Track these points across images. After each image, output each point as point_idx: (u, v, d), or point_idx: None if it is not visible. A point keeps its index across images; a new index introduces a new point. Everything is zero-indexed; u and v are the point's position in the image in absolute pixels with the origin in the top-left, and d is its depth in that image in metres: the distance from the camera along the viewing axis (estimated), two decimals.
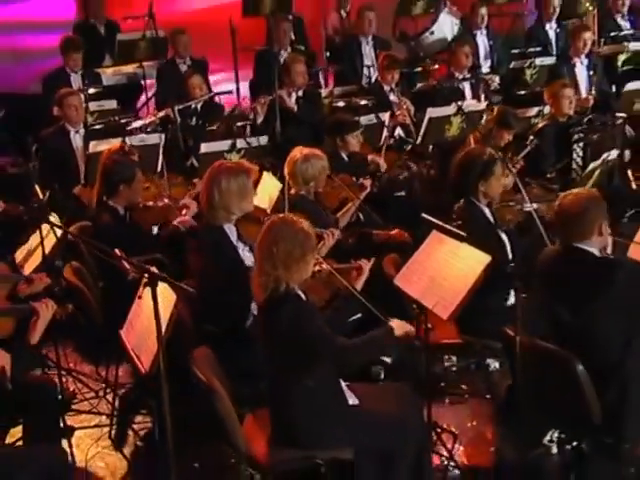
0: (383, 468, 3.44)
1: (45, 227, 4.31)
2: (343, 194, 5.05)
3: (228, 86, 7.68)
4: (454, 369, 4.87)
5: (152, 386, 4.01)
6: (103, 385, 4.86)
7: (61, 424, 4.19)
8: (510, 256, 4.38)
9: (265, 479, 3.38)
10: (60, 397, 4.40)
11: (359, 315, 3.92)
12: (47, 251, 4.30)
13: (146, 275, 3.16)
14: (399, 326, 3.49)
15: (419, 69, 8.03)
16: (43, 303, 3.45)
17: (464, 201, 4.45)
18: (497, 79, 7.68)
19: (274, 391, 3.45)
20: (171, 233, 4.64)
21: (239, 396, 3.64)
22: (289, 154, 4.98)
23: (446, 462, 4.05)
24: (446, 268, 3.83)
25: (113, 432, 4.49)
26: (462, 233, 3.74)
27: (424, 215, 4.01)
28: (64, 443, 4.10)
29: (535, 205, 4.75)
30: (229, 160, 5.36)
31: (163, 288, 3.49)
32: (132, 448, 4.41)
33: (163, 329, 3.33)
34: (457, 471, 4.02)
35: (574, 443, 3.67)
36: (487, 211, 4.49)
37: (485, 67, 8.16)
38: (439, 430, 4.19)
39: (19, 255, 4.73)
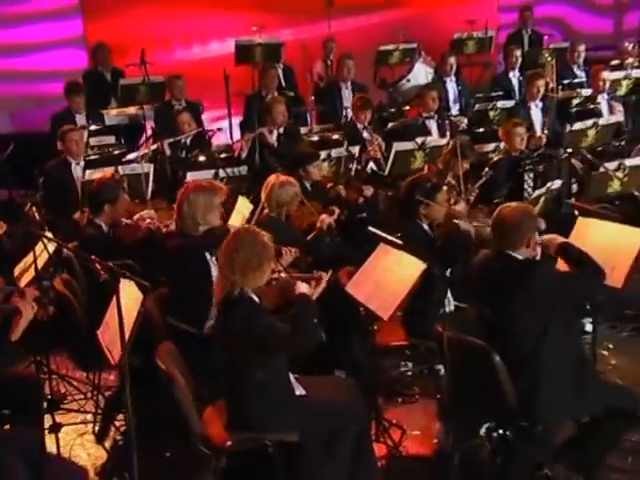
0: (325, 450, 3.58)
1: (40, 246, 4.52)
2: (313, 219, 5.21)
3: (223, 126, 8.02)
4: (409, 374, 5.02)
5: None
6: (91, 388, 4.99)
7: (51, 421, 4.39)
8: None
9: (218, 458, 3.51)
10: (50, 397, 4.67)
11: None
12: (40, 266, 4.47)
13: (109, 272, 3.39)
14: (307, 287, 3.65)
15: (393, 110, 8.30)
16: (26, 303, 3.59)
17: (408, 220, 4.66)
18: (465, 120, 7.90)
19: (230, 383, 3.60)
20: (147, 237, 4.80)
21: (201, 391, 3.86)
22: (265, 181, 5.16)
23: (392, 452, 4.18)
24: (389, 275, 4.04)
25: (97, 428, 4.63)
26: (399, 242, 3.93)
27: (371, 229, 4.21)
28: (52, 437, 4.31)
29: (472, 224, 4.89)
30: None
31: (130, 288, 3.71)
32: (112, 442, 4.55)
33: (130, 323, 3.54)
34: (401, 460, 4.14)
35: (500, 431, 3.79)
36: (428, 230, 4.66)
37: (454, 110, 8.38)
38: (387, 424, 4.33)
39: (17, 270, 4.91)
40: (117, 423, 4.65)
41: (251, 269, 3.49)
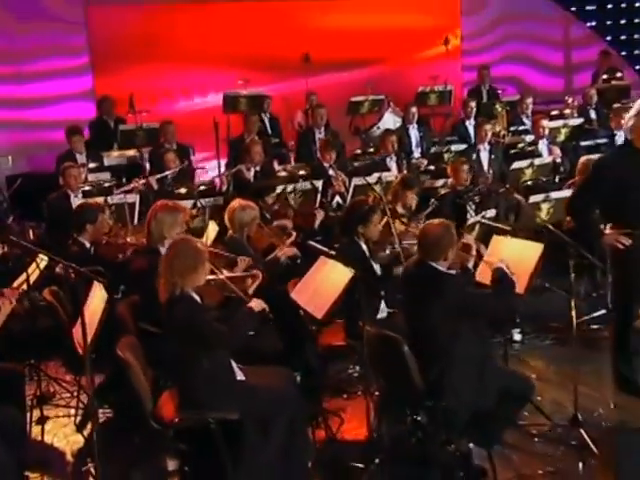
0: (262, 429, 3.74)
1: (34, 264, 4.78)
2: (272, 240, 5.42)
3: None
4: (355, 375, 5.22)
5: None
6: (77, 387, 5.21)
7: (39, 414, 4.73)
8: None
9: (166, 432, 3.71)
10: (40, 394, 4.90)
11: None
12: (33, 280, 4.73)
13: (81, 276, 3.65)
14: (257, 304, 3.83)
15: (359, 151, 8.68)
16: (5, 299, 3.80)
17: (347, 238, 4.89)
18: (425, 162, 8.18)
19: (179, 370, 3.78)
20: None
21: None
22: None
23: (329, 436, 4.38)
24: (325, 281, 4.26)
25: (78, 420, 4.83)
26: (332, 252, 4.18)
27: (310, 242, 4.45)
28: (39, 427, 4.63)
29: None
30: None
31: (99, 290, 3.96)
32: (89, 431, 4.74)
33: (96, 319, 3.80)
34: (337, 443, 4.34)
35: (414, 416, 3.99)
36: (364, 247, 4.84)
37: (417, 153, 8.64)
38: (328, 414, 4.53)
39: (15, 284, 5.16)
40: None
41: (188, 271, 3.70)
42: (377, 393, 4.64)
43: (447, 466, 3.86)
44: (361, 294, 4.00)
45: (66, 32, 9.74)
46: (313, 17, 10.67)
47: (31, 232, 5.79)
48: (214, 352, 3.73)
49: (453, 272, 3.97)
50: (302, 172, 6.96)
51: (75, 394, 5.08)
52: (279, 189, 6.42)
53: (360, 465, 4.00)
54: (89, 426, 4.73)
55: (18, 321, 5.28)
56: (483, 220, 5.76)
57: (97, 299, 3.97)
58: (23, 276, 4.98)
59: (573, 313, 4.23)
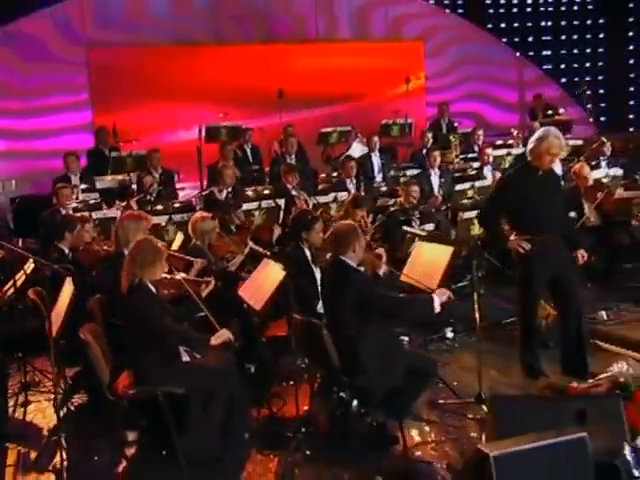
0: (204, 402, 4.04)
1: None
2: (231, 248, 5.74)
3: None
4: (303, 365, 5.49)
5: None
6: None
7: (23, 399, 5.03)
8: (319, 283, 4.91)
9: (119, 403, 4.03)
10: (25, 382, 5.18)
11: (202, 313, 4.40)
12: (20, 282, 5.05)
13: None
14: (220, 337, 4.13)
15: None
16: None
17: (293, 243, 5.22)
18: (383, 184, 8.55)
19: (132, 351, 4.10)
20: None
21: None
22: None
23: (272, 415, 4.66)
24: (265, 279, 4.59)
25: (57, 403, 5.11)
26: (268, 252, 4.52)
27: (252, 245, 4.79)
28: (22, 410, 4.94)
29: None
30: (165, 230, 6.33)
31: (68, 284, 4.30)
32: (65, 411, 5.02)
33: (63, 309, 4.13)
34: (278, 420, 4.61)
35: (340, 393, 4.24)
36: (307, 252, 5.13)
37: (378, 177, 9.00)
38: (272, 397, 4.82)
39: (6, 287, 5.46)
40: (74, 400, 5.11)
41: (146, 265, 4.05)
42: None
43: (364, 435, 4.17)
44: (289, 290, 4.35)
45: (69, 72, 10.16)
46: (287, 59, 11.07)
47: (20, 242, 6.09)
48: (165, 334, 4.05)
49: (362, 269, 4.27)
50: (266, 192, 7.28)
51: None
52: (245, 206, 6.77)
53: (290, 434, 4.28)
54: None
55: (9, 321, 5.68)
56: (420, 232, 6.12)
57: (66, 292, 4.30)
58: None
59: (477, 312, 4.69)
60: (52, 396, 5.13)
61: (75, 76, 10.23)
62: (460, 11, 13.14)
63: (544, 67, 13.49)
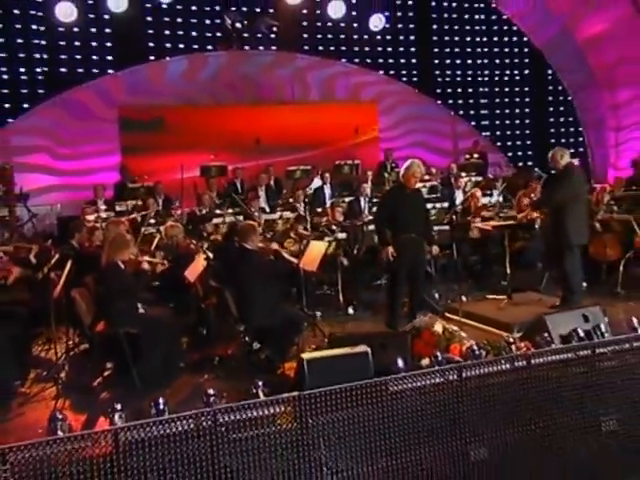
0: (149, 343, 5.02)
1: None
2: (190, 247, 6.48)
3: None
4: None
5: None
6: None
7: None
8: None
9: (94, 339, 5.12)
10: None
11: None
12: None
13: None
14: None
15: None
16: None
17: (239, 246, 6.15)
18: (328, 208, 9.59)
19: (105, 304, 5.13)
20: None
21: None
22: None
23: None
24: (195, 269, 5.66)
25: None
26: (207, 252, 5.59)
27: (194, 243, 5.90)
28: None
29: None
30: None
31: (68, 263, 5.43)
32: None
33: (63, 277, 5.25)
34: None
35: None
36: (237, 245, 6.09)
37: (328, 203, 9.92)
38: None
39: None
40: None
41: (118, 248, 5.13)
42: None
43: (260, 367, 5.16)
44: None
45: (104, 126, 11.31)
46: (269, 116, 11.90)
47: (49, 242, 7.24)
48: (130, 297, 5.14)
49: (256, 249, 5.37)
50: (230, 211, 8.33)
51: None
52: (214, 221, 7.86)
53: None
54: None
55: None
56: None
57: (67, 267, 5.41)
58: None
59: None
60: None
61: (108, 129, 11.34)
62: (415, 79, 13.83)
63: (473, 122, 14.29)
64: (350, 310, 6.92)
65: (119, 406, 3.68)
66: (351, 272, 7.19)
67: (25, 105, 10.88)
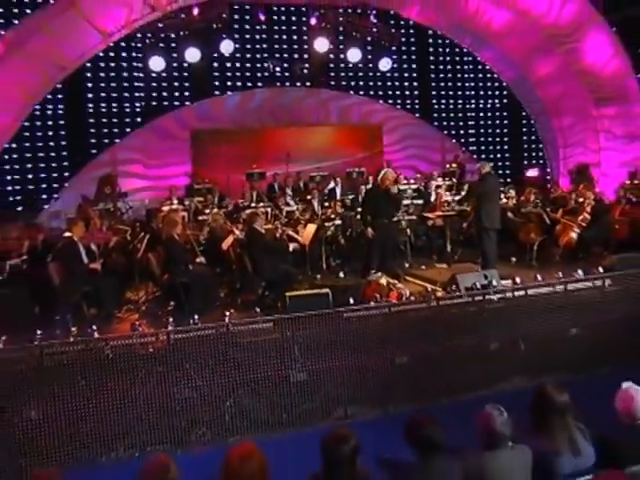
0: (196, 290, 5.96)
1: None
2: (188, 235, 6.89)
3: None
4: None
5: None
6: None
7: None
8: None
9: (161, 286, 6.24)
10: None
11: None
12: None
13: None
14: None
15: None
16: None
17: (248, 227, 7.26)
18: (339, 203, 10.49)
19: (168, 266, 6.35)
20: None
21: None
22: None
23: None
24: (227, 242, 6.68)
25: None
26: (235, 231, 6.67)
27: (228, 225, 6.98)
28: None
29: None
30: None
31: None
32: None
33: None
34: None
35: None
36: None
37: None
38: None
39: None
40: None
41: (170, 226, 6.10)
42: None
43: (266, 304, 6.12)
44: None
45: (181, 144, 11.90)
46: (298, 135, 12.51)
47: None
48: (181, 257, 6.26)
49: (259, 229, 6.37)
50: (262, 204, 9.34)
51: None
52: (247, 211, 8.77)
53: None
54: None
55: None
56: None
57: (144, 240, 6.53)
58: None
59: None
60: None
61: (182, 146, 11.99)
62: (416, 107, 14.28)
63: (462, 140, 14.73)
64: (341, 274, 7.87)
65: (171, 319, 4.85)
66: (345, 248, 8.16)
67: (127, 129, 11.90)
